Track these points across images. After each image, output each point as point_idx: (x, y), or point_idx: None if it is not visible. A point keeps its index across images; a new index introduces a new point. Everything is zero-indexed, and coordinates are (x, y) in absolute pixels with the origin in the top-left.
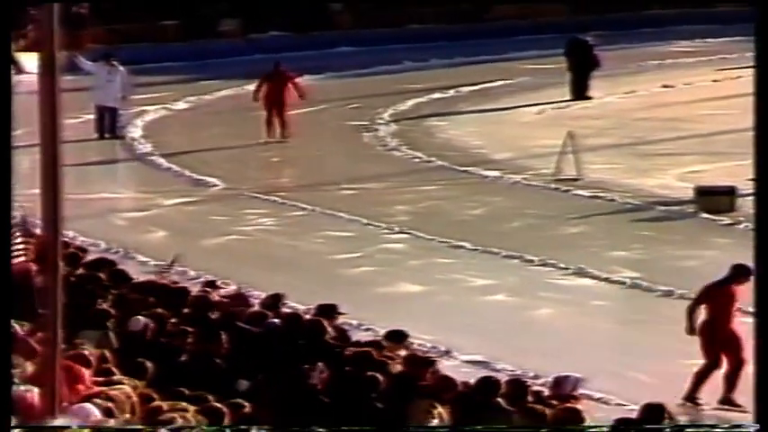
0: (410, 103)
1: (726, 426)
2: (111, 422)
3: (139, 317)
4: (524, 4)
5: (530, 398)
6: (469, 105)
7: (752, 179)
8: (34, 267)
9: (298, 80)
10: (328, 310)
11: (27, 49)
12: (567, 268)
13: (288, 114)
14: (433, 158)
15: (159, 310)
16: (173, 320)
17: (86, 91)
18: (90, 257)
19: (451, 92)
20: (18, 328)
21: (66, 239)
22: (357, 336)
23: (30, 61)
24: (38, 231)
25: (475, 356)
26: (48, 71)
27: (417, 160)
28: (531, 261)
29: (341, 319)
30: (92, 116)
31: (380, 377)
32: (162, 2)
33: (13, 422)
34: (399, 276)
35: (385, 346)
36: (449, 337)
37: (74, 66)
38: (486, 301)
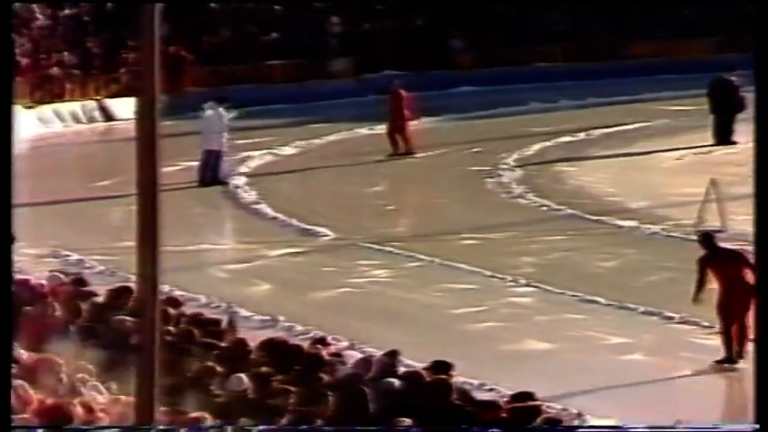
0: (537, 146)
1: (725, 426)
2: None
3: (241, 375)
4: (665, 41)
5: None
6: (602, 150)
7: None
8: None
9: (406, 96)
10: (443, 368)
11: (119, 94)
12: (710, 327)
13: (408, 129)
14: (562, 206)
15: (264, 369)
16: (277, 379)
17: (184, 136)
18: (188, 312)
19: (582, 135)
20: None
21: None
22: (480, 397)
23: (122, 107)
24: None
25: (609, 421)
26: (147, 116)
27: (545, 208)
28: (671, 318)
29: (462, 378)
30: (191, 163)
31: None
32: (269, 41)
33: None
34: (525, 332)
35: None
36: (580, 399)
37: (171, 110)
38: (621, 360)
